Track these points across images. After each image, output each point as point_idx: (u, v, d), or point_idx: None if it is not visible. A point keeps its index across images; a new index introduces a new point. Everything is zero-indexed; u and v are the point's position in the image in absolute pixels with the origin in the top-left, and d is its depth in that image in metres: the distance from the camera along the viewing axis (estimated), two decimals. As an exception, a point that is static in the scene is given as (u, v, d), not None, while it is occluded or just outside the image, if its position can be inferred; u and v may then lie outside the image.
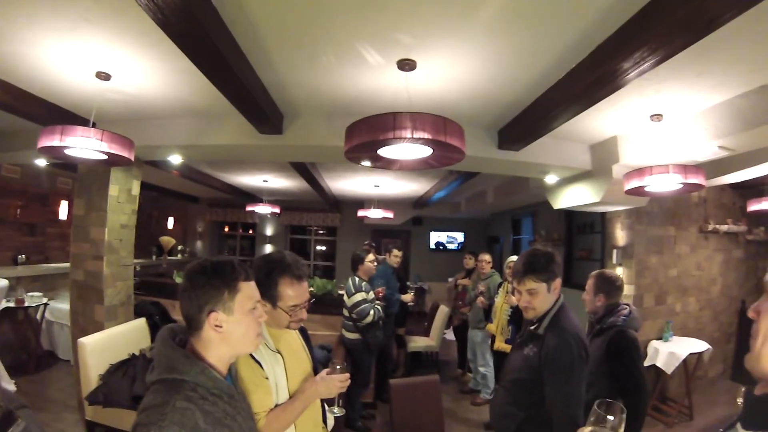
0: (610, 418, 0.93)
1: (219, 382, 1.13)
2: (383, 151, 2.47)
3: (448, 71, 2.66)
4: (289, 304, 1.57)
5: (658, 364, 4.41)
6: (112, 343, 3.28)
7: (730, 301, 5.70)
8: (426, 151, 2.43)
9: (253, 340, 1.22)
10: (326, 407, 1.82)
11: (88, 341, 3.08)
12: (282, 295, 1.57)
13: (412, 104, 2.67)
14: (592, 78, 2.37)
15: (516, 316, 4.13)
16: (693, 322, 5.25)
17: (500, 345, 4.37)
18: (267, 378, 1.51)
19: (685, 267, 5.20)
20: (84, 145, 2.63)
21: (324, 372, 1.66)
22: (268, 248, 10.92)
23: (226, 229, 11.49)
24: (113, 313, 4.07)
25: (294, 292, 1.58)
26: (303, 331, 1.88)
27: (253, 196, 8.84)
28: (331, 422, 1.85)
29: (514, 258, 4.50)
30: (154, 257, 8.67)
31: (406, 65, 2.52)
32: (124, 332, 3.52)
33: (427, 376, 3.07)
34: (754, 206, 4.46)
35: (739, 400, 2.69)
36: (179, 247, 9.90)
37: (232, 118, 3.49)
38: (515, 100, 3.11)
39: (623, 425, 0.94)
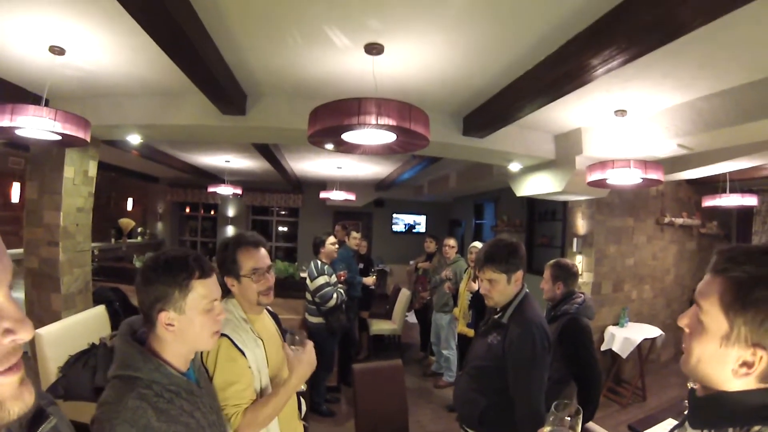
0: (568, 418, 0.96)
1: (175, 378, 1.12)
2: (347, 136, 2.43)
3: (415, 57, 2.63)
4: (250, 268, 1.61)
5: (614, 349, 4.59)
6: (70, 333, 3.15)
7: (682, 290, 5.97)
8: (390, 137, 2.42)
9: (208, 340, 1.20)
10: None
11: (45, 332, 2.94)
12: (242, 264, 1.62)
13: (377, 88, 2.64)
14: (560, 72, 2.39)
15: (476, 301, 4.16)
16: (647, 309, 5.49)
17: (462, 329, 4.45)
18: (250, 367, 1.50)
19: (641, 256, 5.40)
20: (36, 125, 2.46)
21: (289, 351, 1.56)
22: (230, 229, 10.70)
23: (187, 210, 11.10)
24: (71, 302, 3.90)
25: (252, 258, 1.63)
26: (275, 317, 1.87)
27: (215, 176, 8.60)
28: (303, 410, 1.84)
29: (478, 244, 4.57)
30: (113, 240, 8.33)
31: (373, 49, 2.47)
32: (83, 321, 3.39)
33: (391, 360, 3.07)
34: (708, 202, 4.68)
35: (690, 385, 2.81)
36: (139, 230, 9.56)
37: (193, 97, 3.34)
38: (482, 88, 3.10)
39: (580, 424, 0.97)
